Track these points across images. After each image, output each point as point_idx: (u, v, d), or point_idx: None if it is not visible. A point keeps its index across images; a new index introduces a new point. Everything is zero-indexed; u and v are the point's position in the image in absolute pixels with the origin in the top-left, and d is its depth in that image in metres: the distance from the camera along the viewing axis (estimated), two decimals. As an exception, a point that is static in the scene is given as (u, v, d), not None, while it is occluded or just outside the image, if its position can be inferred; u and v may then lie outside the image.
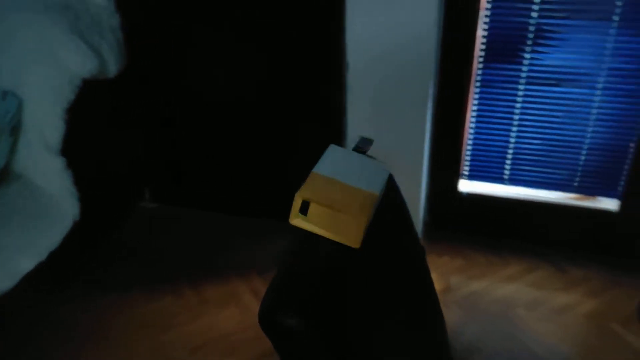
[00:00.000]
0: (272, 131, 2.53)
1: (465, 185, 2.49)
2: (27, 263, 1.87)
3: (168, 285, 2.32)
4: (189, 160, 2.74)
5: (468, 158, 2.42)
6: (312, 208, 0.74)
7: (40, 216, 1.99)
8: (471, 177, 2.46)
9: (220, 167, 2.69)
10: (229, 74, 2.47)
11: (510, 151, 2.34)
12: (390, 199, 0.87)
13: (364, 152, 0.88)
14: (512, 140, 2.32)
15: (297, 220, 0.76)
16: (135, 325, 2.11)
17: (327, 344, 0.63)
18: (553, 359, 1.95)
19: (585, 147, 2.24)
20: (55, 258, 1.95)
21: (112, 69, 2.26)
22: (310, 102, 2.42)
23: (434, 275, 2.35)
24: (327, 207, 0.74)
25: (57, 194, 2.05)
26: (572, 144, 2.26)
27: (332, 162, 0.83)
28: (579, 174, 2.31)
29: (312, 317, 0.63)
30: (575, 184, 2.33)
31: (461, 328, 2.09)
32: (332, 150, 0.86)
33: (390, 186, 0.90)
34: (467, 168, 2.44)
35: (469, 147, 2.39)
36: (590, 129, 2.20)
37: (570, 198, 2.41)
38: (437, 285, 2.30)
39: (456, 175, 2.46)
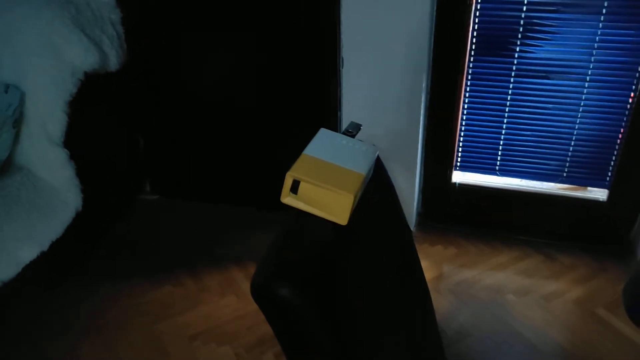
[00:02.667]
0: (268, 125, 2.58)
1: (458, 177, 2.55)
2: (28, 253, 1.91)
3: (167, 274, 2.38)
4: (188, 153, 2.79)
5: (460, 150, 2.48)
6: (302, 187, 0.80)
7: (42, 207, 2.04)
8: (463, 168, 2.52)
9: (218, 160, 2.75)
10: (226, 68, 2.53)
11: (502, 142, 2.40)
12: (378, 179, 0.93)
13: (352, 136, 0.94)
14: (503, 131, 2.37)
15: (288, 199, 0.82)
16: (133, 315, 2.16)
17: (320, 316, 0.69)
18: (541, 343, 2.01)
19: (574, 138, 2.30)
20: (56, 248, 2.00)
21: (114, 62, 2.31)
22: (306, 97, 2.47)
23: (427, 264, 2.43)
24: (316, 185, 0.80)
25: (59, 185, 2.10)
26: (561, 135, 2.31)
27: (322, 145, 0.89)
28: (568, 164, 2.36)
29: (304, 287, 0.69)
30: (565, 174, 2.39)
31: (453, 313, 2.16)
32: (322, 134, 0.92)
33: (378, 167, 0.96)
34: (459, 159, 2.50)
35: (461, 139, 2.45)
36: (579, 120, 2.26)
37: (560, 188, 2.47)
38: (430, 273, 2.37)
39: (449, 167, 2.51)
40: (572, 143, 2.31)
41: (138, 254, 2.51)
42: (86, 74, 2.16)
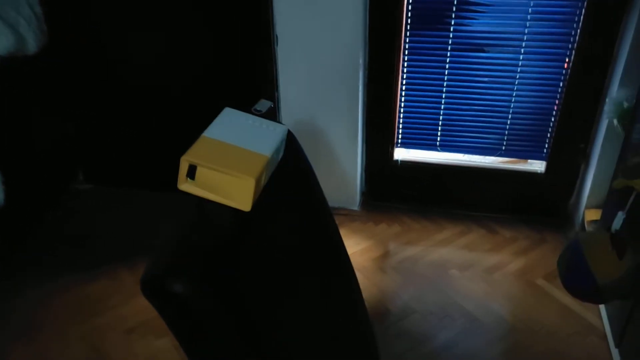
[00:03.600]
0: (202, 108, 2.49)
1: (400, 154, 2.53)
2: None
3: (103, 268, 2.28)
4: (122, 139, 2.67)
5: (401, 126, 2.45)
6: (200, 172, 0.74)
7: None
8: (405, 145, 2.50)
9: (154, 145, 2.64)
10: (155, 50, 2.41)
11: (441, 118, 2.39)
12: (291, 160, 0.87)
13: (261, 115, 0.88)
14: (442, 106, 2.36)
15: (185, 186, 0.76)
16: (69, 312, 2.06)
17: (221, 311, 0.63)
18: (483, 315, 2.03)
19: (512, 111, 2.31)
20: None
21: (32, 45, 2.16)
22: (241, 78, 2.39)
23: (371, 243, 2.41)
24: (215, 170, 0.73)
25: (-23, 178, 1.97)
26: (499, 109, 2.32)
27: (224, 125, 0.82)
28: (506, 137, 2.38)
29: (200, 282, 0.63)
30: (504, 147, 2.40)
31: (397, 291, 2.15)
32: (226, 114, 0.86)
33: (293, 147, 0.90)
34: (400, 136, 2.48)
35: (401, 116, 2.42)
36: (515, 93, 2.27)
37: (500, 162, 2.49)
38: (375, 252, 2.35)
39: (390, 144, 2.49)
40: (510, 116, 2.32)
41: (71, 247, 2.40)
42: (1, 58, 2.02)
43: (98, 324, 2.01)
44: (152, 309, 2.05)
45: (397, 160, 2.53)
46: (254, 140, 0.80)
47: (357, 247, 2.38)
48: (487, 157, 2.48)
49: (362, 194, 2.61)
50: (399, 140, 2.49)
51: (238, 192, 0.73)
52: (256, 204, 0.75)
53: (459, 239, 2.42)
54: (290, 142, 0.89)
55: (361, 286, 2.14)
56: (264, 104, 0.91)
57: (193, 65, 2.42)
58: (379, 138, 2.48)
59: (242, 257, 0.72)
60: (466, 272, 2.23)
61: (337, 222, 2.33)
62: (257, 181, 0.74)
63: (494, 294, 2.14)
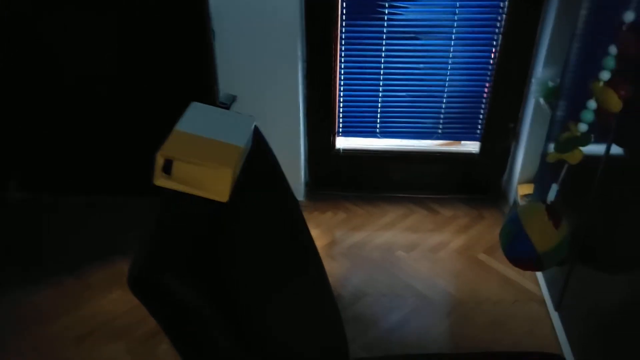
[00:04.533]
0: (142, 106, 2.42)
1: (341, 142, 2.57)
2: None
3: (47, 277, 2.18)
4: (57, 143, 2.55)
5: (341, 115, 2.49)
6: (176, 166, 0.74)
7: None
8: (346, 133, 2.55)
9: (90, 148, 2.54)
10: (89, 46, 2.32)
11: (380, 105, 2.45)
12: (258, 149, 0.88)
13: (227, 107, 0.88)
14: (380, 94, 2.42)
15: (161, 181, 0.75)
16: (15, 325, 1.96)
17: (207, 301, 0.64)
18: (431, 293, 2.11)
19: (446, 95, 2.40)
20: None
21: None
22: (180, 74, 2.34)
23: (319, 231, 2.45)
24: (191, 163, 0.74)
25: None
26: (434, 94, 2.40)
27: (195, 119, 0.82)
28: (442, 121, 2.47)
29: (185, 273, 0.63)
30: (440, 131, 2.50)
31: (348, 276, 2.20)
32: (194, 108, 0.86)
33: (258, 138, 0.91)
34: (341, 125, 2.52)
35: (341, 105, 2.46)
36: (448, 78, 2.36)
37: (437, 145, 2.59)
38: (323, 240, 2.39)
39: (332, 133, 2.53)
40: (444, 100, 2.42)
41: (9, 258, 2.28)
42: None
43: (48, 334, 1.93)
44: (102, 315, 2.00)
45: (338, 149, 2.57)
46: (226, 131, 0.81)
47: (305, 236, 2.40)
48: (425, 141, 2.57)
49: (307, 184, 2.64)
50: (340, 129, 2.53)
51: (215, 183, 0.74)
52: (231, 194, 0.76)
53: (402, 222, 2.50)
54: (255, 133, 0.91)
55: (313, 274, 2.20)
56: (227, 97, 0.92)
57: (129, 66, 2.34)
58: (320, 128, 2.51)
59: (221, 247, 0.73)
60: (412, 253, 2.32)
61: None
62: (234, 171, 0.75)
63: (439, 271, 2.23)
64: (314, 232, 2.44)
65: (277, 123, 2.39)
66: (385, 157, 2.58)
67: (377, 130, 2.51)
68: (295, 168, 2.52)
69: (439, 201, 2.62)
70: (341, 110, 2.48)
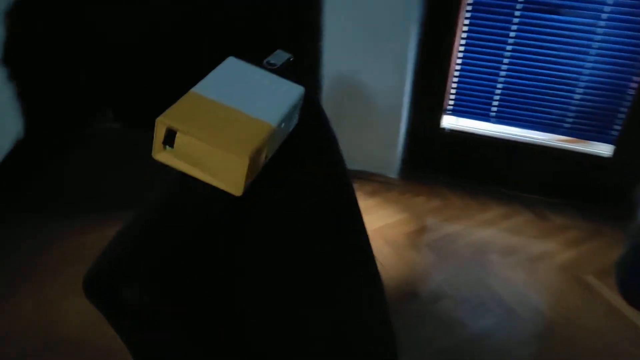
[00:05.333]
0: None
1: (449, 122, 2.31)
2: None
3: (117, 213, 2.17)
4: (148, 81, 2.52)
5: (454, 91, 2.23)
6: (180, 140, 0.57)
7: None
8: (455, 112, 2.28)
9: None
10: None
11: (500, 86, 2.15)
12: (306, 130, 0.68)
13: (275, 70, 0.69)
14: (503, 73, 2.12)
15: (162, 155, 0.59)
16: (76, 256, 1.97)
17: (187, 329, 0.49)
18: (521, 308, 1.85)
19: (582, 84, 2.05)
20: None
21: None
22: (285, 25, 2.18)
23: (406, 216, 2.24)
24: (199, 139, 0.56)
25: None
26: (567, 81, 2.06)
27: (222, 80, 0.63)
28: (572, 114, 2.12)
29: (165, 288, 0.48)
30: (567, 125, 2.15)
31: (430, 272, 1.98)
32: (228, 65, 0.67)
33: (309, 115, 0.70)
34: (451, 103, 2.25)
35: (456, 80, 2.19)
36: (588, 65, 2.00)
37: (560, 140, 2.24)
38: (409, 226, 2.17)
39: (440, 110, 2.27)
40: (579, 90, 2.06)
41: (89, 187, 2.29)
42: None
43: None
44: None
45: (444, 129, 2.31)
46: (259, 102, 0.62)
47: (390, 219, 2.20)
48: (546, 135, 2.23)
49: (403, 161, 2.42)
50: (450, 107, 2.27)
51: (227, 171, 0.56)
52: (253, 185, 0.58)
53: (503, 222, 2.21)
54: (310, 107, 0.71)
55: (391, 263, 2.00)
56: (280, 56, 0.71)
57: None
58: (427, 102, 2.26)
59: (225, 252, 0.56)
60: (508, 259, 2.04)
61: (371, 189, 2.12)
62: (253, 160, 0.56)
63: (535, 285, 1.94)
64: (402, 216, 2.24)
65: (380, 88, 2.18)
66: (496, 146, 2.28)
67: (492, 114, 2.22)
68: (392, 141, 2.31)
69: (550, 206, 2.28)
70: (454, 86, 2.21)
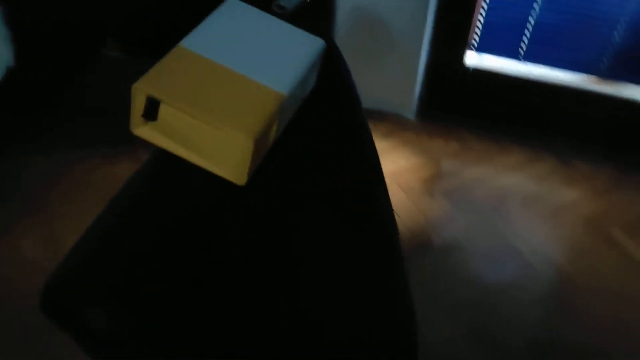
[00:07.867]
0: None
1: (473, 58, 2.12)
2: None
3: (126, 147, 2.07)
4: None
5: (480, 25, 2.03)
6: (164, 111, 0.42)
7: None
8: (481, 49, 2.10)
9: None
10: None
11: (533, 20, 1.95)
12: (324, 97, 0.52)
13: (285, 15, 0.51)
14: (536, 6, 1.92)
15: (142, 130, 0.44)
16: (82, 191, 1.89)
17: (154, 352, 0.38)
18: (539, 262, 1.75)
19: (627, 20, 1.85)
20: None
21: None
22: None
23: (422, 160, 2.10)
24: (188, 113, 0.41)
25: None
26: (610, 16, 1.86)
27: (220, 31, 0.46)
28: (609, 54, 1.94)
29: (126, 306, 0.37)
30: (603, 65, 1.97)
31: (445, 222, 1.88)
32: (228, 9, 0.49)
33: (333, 69, 0.53)
34: (477, 37, 2.06)
35: (483, 12, 2.00)
36: (633, 1, 1.80)
37: (593, 82, 2.06)
38: (425, 172, 2.05)
39: (464, 45, 2.08)
40: (620, 27, 1.87)
41: (97, 120, 2.17)
42: None
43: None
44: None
45: (468, 67, 2.13)
46: (267, 62, 0.45)
47: (406, 162, 2.07)
48: (580, 75, 2.05)
49: (420, 100, 2.25)
50: (475, 43, 2.08)
51: (225, 154, 0.42)
52: (252, 173, 0.44)
53: (525, 168, 2.08)
54: (330, 62, 0.55)
55: (406, 211, 1.89)
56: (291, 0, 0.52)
57: None
58: (450, 36, 2.07)
59: (218, 257, 0.44)
60: (528, 209, 1.92)
61: (386, 130, 1.94)
62: (258, 141, 0.42)
63: (556, 239, 1.84)
64: (418, 160, 2.11)
65: (399, 19, 1.99)
66: (524, 86, 2.11)
67: (522, 51, 2.03)
68: (410, 78, 2.14)
69: (577, 152, 2.13)
70: (482, 19, 2.01)
